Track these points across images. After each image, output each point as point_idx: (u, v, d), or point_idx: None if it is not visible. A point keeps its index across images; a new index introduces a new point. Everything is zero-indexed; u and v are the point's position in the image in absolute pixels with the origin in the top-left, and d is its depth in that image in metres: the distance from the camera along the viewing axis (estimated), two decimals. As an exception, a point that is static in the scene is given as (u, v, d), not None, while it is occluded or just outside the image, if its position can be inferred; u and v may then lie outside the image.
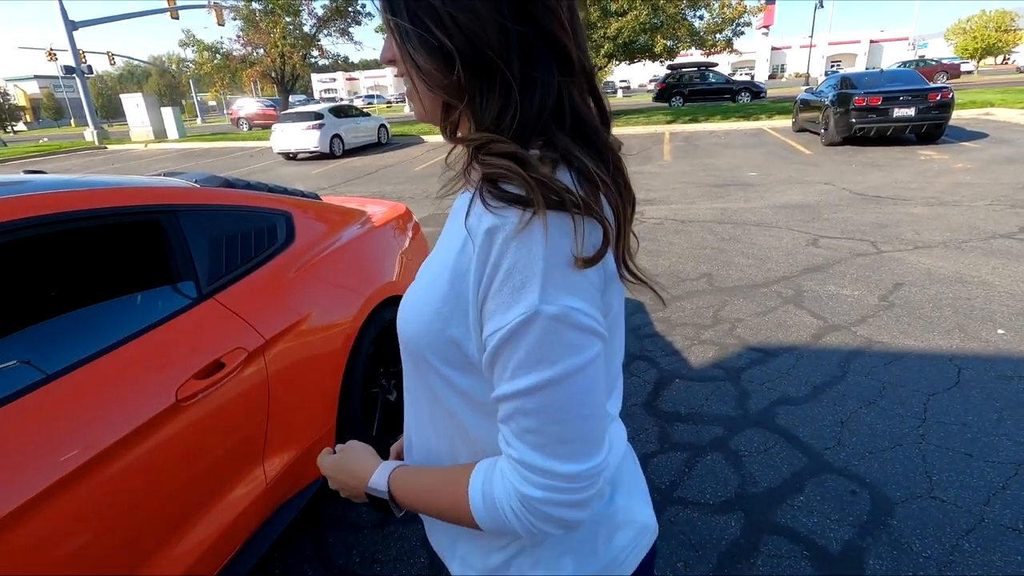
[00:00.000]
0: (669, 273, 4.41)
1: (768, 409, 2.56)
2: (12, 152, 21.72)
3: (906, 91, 9.65)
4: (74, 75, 24.45)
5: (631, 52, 18.25)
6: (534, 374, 0.49)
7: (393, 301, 2.33)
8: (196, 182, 1.95)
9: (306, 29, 27.57)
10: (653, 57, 18.56)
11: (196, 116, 52.92)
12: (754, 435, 2.39)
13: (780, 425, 2.44)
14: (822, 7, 34.70)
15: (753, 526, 1.92)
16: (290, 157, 14.69)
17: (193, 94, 56.23)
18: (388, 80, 66.84)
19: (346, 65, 39.49)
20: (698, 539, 1.88)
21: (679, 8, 17.25)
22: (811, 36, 36.05)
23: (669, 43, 17.77)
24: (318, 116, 14.21)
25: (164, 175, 2.10)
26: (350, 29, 28.63)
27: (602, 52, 17.18)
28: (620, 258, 0.55)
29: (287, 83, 29.31)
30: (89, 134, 24.54)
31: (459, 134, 0.58)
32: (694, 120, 16.28)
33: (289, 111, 15.45)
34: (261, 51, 27.54)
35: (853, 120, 9.78)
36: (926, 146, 9.78)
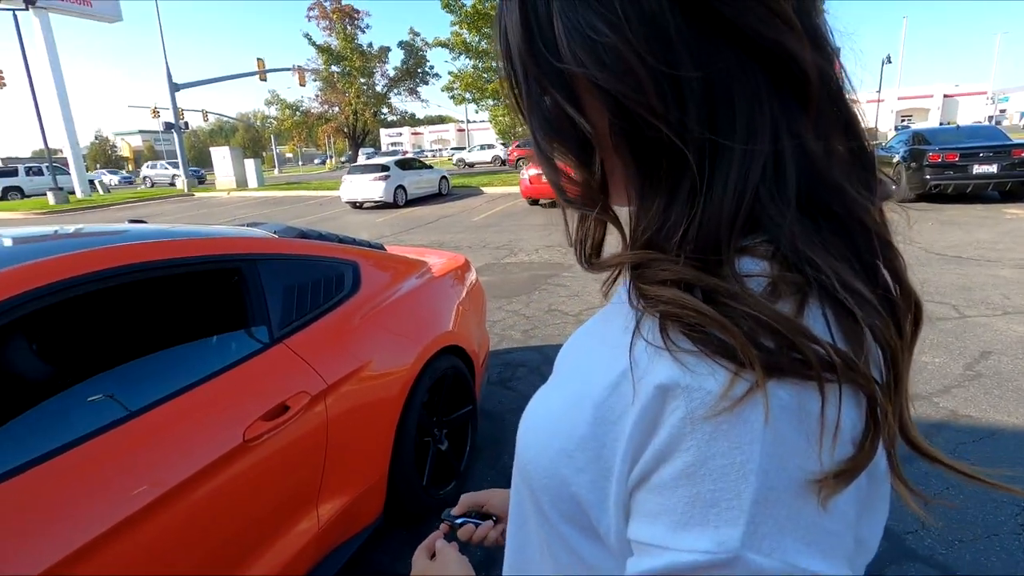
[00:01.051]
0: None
1: (840, 483, 2.38)
2: (115, 198, 24.05)
3: (987, 147, 9.19)
4: (172, 130, 27.15)
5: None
6: None
7: (449, 351, 2.37)
8: (275, 232, 2.09)
9: (378, 88, 29.62)
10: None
11: (274, 167, 57.19)
12: (825, 511, 2.21)
13: (854, 502, 2.25)
14: (890, 62, 34.08)
15: (825, 615, 1.75)
16: (356, 206, 15.50)
17: (273, 147, 61.02)
18: (451, 135, 70.22)
19: (412, 121, 41.88)
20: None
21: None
22: (879, 91, 35.30)
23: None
24: (384, 168, 15.01)
25: (248, 225, 2.27)
26: (418, 88, 30.55)
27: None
28: (894, 438, 0.32)
29: (358, 138, 31.35)
30: (180, 182, 26.92)
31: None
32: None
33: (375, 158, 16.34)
34: (336, 109, 29.74)
35: (928, 176, 9.36)
36: (1012, 204, 9.18)
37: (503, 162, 29.25)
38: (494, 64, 19.85)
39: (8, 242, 1.60)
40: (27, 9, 21.16)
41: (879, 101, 36.65)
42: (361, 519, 1.90)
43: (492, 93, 19.61)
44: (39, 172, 26.36)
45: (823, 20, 0.35)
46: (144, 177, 31.65)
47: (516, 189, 14.99)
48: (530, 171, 12.85)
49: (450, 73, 20.36)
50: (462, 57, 19.87)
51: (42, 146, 22.48)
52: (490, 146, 33.44)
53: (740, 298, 0.31)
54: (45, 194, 21.34)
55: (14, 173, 26.75)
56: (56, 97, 23.70)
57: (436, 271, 2.62)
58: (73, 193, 23.81)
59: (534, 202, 13.38)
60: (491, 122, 23.68)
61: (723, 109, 0.33)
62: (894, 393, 0.32)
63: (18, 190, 25.97)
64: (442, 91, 21.21)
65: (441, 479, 2.35)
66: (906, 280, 0.36)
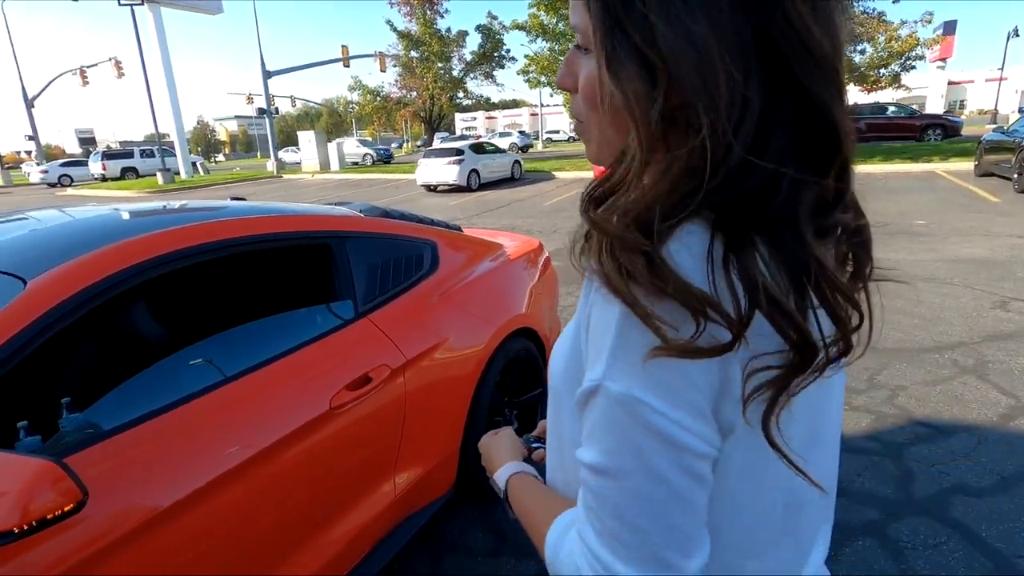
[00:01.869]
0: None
1: (940, 497, 2.19)
2: (214, 179, 26.02)
3: None
4: (264, 116, 28.85)
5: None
6: (594, 452, 0.45)
7: (521, 333, 2.38)
8: (360, 211, 2.17)
9: (455, 73, 29.95)
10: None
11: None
12: (920, 525, 2.05)
13: (956, 518, 2.07)
14: (1017, 36, 30.30)
15: (917, 634, 1.63)
16: (431, 189, 15.86)
17: (354, 131, 63.52)
18: (524, 119, 70.05)
19: (487, 105, 42.06)
20: (845, 637, 1.64)
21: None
22: (1001, 68, 31.57)
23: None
24: (459, 152, 15.23)
25: (335, 204, 2.37)
26: (494, 72, 30.62)
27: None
28: (777, 399, 0.43)
29: (434, 122, 31.94)
30: (270, 164, 28.65)
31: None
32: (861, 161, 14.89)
33: (437, 145, 16.72)
34: (414, 94, 30.40)
35: (1059, 164, 8.29)
36: None
37: (520, 149, 32.26)
38: (571, 47, 19.44)
39: (126, 216, 1.76)
40: (142, 3, 23.06)
41: (1001, 79, 32.74)
42: (433, 491, 1.96)
43: (568, 76, 19.30)
44: (151, 155, 28.94)
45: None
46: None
47: (589, 174, 14.77)
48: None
49: (526, 56, 20.20)
50: (539, 40, 19.65)
51: (153, 131, 24.62)
52: (508, 134, 38.10)
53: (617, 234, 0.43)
54: (155, 174, 23.40)
55: (130, 155, 29.55)
56: (165, 86, 25.80)
57: (510, 254, 2.63)
58: (178, 174, 25.94)
59: (607, 187, 13.12)
60: (565, 106, 23.36)
61: (760, 137, 0.41)
62: (796, 367, 0.42)
63: (134, 170, 28.66)
64: (517, 74, 21.14)
65: (510, 459, 2.38)
66: (842, 323, 0.44)
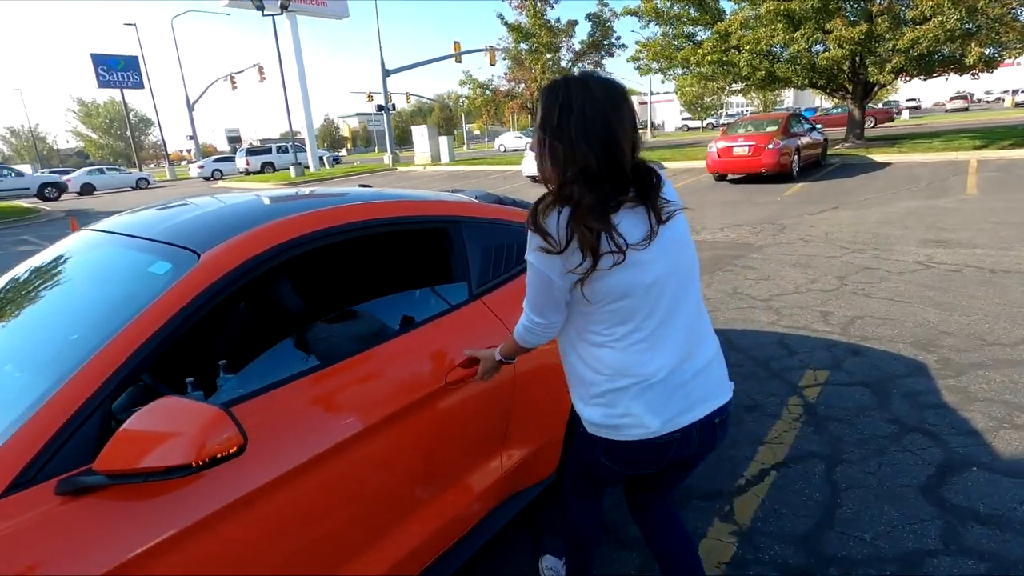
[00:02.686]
0: (967, 333, 3.52)
1: None
2: (338, 171, 28.21)
3: None
4: (382, 112, 30.68)
5: (929, 66, 15.25)
6: (527, 280, 1.22)
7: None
8: (475, 198, 2.25)
9: (563, 63, 29.79)
10: (961, 70, 15.17)
11: (463, 143, 61.47)
12: (1102, 568, 1.74)
13: None
14: None
15: None
16: (535, 180, 15.96)
17: (463, 125, 65.48)
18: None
19: (592, 95, 41.20)
20: None
21: (1008, 7, 13.75)
22: None
23: (988, 51, 14.33)
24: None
25: (452, 191, 2.48)
26: (603, 61, 30.04)
27: (887, 68, 14.70)
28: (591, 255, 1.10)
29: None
30: (386, 158, 30.46)
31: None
32: (1018, 144, 12.81)
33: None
34: (522, 86, 30.69)
35: None
36: None
37: None
38: (686, 30, 18.51)
39: (267, 201, 1.95)
40: (282, 13, 25.40)
41: None
42: (537, 472, 2.00)
43: (681, 62, 18.36)
44: (285, 150, 31.96)
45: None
46: (499, 145, 39.83)
47: (700, 164, 14.06)
48: (719, 144, 11.93)
49: (637, 42, 19.51)
50: (651, 24, 18.88)
51: (286, 129, 27.15)
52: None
53: (538, 204, 1.16)
54: (288, 168, 25.84)
55: (268, 151, 32.85)
56: (299, 88, 28.29)
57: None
58: (308, 167, 28.41)
59: (721, 178, 12.47)
60: (677, 93, 22.32)
61: (579, 186, 1.12)
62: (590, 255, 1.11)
63: (271, 165, 31.87)
64: (628, 61, 20.49)
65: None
66: (593, 247, 1.10)
